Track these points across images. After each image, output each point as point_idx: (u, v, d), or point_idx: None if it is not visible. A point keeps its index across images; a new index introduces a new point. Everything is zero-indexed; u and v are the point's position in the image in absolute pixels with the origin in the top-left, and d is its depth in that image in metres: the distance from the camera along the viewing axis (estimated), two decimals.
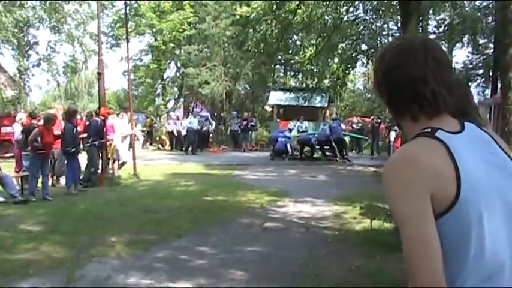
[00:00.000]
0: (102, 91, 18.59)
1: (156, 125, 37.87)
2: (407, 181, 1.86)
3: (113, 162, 18.52)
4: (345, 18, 19.95)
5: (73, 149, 15.56)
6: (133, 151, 19.86)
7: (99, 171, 17.72)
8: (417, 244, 1.80)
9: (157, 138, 35.62)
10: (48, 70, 39.62)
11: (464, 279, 1.89)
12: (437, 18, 24.38)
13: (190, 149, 30.47)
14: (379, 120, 34.54)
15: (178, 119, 34.35)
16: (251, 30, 22.07)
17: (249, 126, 33.85)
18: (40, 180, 14.95)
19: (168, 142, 34.37)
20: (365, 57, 22.83)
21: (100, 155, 17.61)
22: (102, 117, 17.64)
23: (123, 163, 18.91)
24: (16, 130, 16.49)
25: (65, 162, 16.02)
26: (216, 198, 14.36)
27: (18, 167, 16.65)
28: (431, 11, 21.43)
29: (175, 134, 33.32)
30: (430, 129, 1.97)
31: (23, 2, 31.76)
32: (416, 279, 1.77)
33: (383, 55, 2.09)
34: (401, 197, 1.87)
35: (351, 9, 19.72)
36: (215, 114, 36.29)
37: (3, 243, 9.37)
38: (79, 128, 16.89)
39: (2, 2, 28.19)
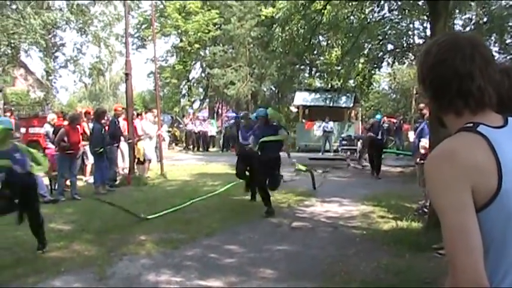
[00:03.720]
0: (129, 92, 18.70)
1: (181, 126, 38.01)
2: (446, 175, 1.88)
3: (139, 162, 18.59)
4: (371, 19, 19.88)
5: (101, 149, 15.68)
6: (160, 151, 19.99)
7: (126, 171, 17.86)
8: (457, 236, 1.81)
9: (183, 139, 35.75)
10: (75, 71, 39.96)
11: (505, 271, 1.91)
12: (464, 17, 24.22)
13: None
14: (402, 121, 34.55)
15: (204, 120, 34.43)
16: (277, 30, 22.05)
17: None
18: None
19: (189, 142, 34.47)
20: (391, 58, 22.71)
21: (121, 155, 17.74)
22: (116, 116, 17.74)
23: (149, 161, 19.02)
24: (47, 130, 16.61)
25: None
26: (243, 198, 14.39)
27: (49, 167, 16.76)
28: (457, 10, 21.27)
29: (201, 134, 33.42)
30: (472, 124, 1.98)
31: (50, 4, 32.03)
32: (455, 270, 1.79)
33: (429, 50, 2.10)
34: (441, 190, 1.89)
35: (377, 9, 19.67)
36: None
37: (35, 242, 9.47)
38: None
39: (30, 4, 28.44)
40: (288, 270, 7.66)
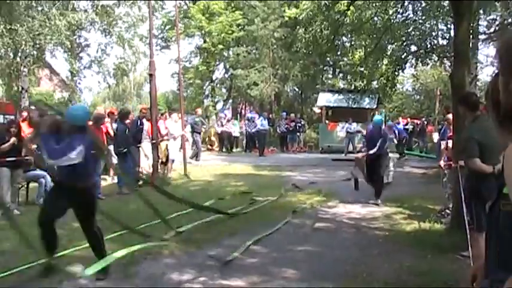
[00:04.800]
0: (153, 92, 18.79)
1: (204, 126, 38.09)
2: None
3: (162, 162, 18.69)
4: (395, 20, 19.80)
5: (125, 150, 15.79)
6: (184, 152, 20.07)
7: (149, 171, 17.97)
8: None
9: (206, 139, 35.79)
10: (99, 72, 40.15)
11: None
12: (488, 18, 24.05)
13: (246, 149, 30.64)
14: (426, 122, 34.38)
15: (229, 120, 34.48)
16: (301, 31, 22.03)
17: (296, 127, 33.89)
18: None
19: (216, 143, 34.47)
20: (414, 59, 22.58)
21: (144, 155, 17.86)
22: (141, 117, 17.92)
23: (172, 161, 19.12)
24: None
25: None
26: (265, 198, 14.43)
27: None
28: (481, 11, 21.12)
29: (226, 135, 33.43)
30: None
31: (75, 5, 32.24)
32: None
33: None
34: None
35: (400, 10, 19.60)
36: (270, 116, 36.19)
37: (60, 241, 9.56)
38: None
39: (56, 5, 28.68)
40: (310, 271, 7.69)
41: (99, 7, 33.61)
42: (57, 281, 7.26)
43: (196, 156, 25.51)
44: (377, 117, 18.14)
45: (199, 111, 30.46)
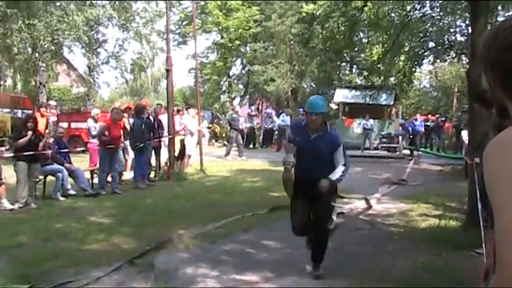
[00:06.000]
0: (170, 87, 18.87)
1: (221, 122, 38.13)
2: (509, 165, 1.73)
3: (178, 157, 18.74)
4: (412, 16, 19.70)
5: (141, 144, 15.88)
6: (200, 147, 20.11)
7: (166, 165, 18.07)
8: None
9: (224, 135, 35.81)
10: (117, 67, 40.26)
11: None
12: (506, 14, 23.87)
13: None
14: (443, 119, 34.18)
15: (256, 116, 34.51)
16: (317, 27, 21.96)
17: None
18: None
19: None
20: (432, 55, 22.44)
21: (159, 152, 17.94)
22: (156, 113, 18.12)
23: (189, 156, 19.17)
24: (90, 125, 16.88)
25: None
26: (282, 194, 14.35)
27: (92, 161, 17.02)
28: (500, 7, 20.95)
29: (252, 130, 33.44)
30: None
31: (93, 1, 32.35)
32: (504, 270, 1.63)
33: (495, 34, 1.97)
34: (501, 182, 1.74)
35: (418, 6, 19.49)
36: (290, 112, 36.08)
37: (76, 235, 9.68)
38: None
39: (74, 1, 28.82)
40: (324, 267, 7.69)
41: (116, 3, 33.69)
42: (72, 274, 7.32)
43: (233, 152, 25.46)
44: None
45: (237, 107, 30.42)
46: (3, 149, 16.53)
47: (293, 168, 7.57)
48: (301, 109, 36.30)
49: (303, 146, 7.40)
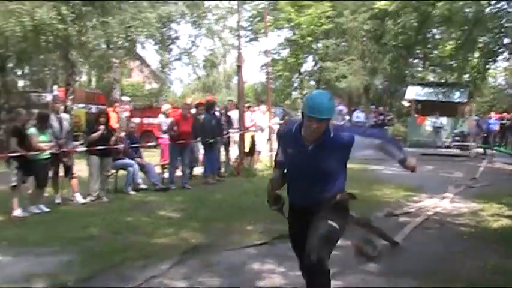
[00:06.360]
0: (241, 84, 18.98)
1: (292, 119, 38.12)
2: None
3: (248, 154, 18.81)
4: (487, 11, 19.30)
5: (212, 140, 16.02)
6: (271, 143, 20.15)
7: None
8: None
9: None
10: (189, 64, 40.58)
11: None
12: None
13: None
14: None
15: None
16: (389, 22, 21.75)
17: (385, 120, 33.47)
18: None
19: None
20: (507, 52, 21.92)
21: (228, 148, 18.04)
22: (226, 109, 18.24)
23: (259, 153, 19.23)
24: (161, 121, 17.12)
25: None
26: (351, 191, 14.32)
27: (163, 156, 17.25)
28: None
29: None
30: None
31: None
32: None
33: None
34: None
35: (493, 1, 19.09)
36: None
37: (145, 228, 9.83)
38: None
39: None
40: (391, 265, 7.61)
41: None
42: (140, 266, 7.44)
43: None
44: None
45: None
46: (77, 143, 16.88)
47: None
48: (373, 106, 36.10)
49: (299, 160, 5.07)
